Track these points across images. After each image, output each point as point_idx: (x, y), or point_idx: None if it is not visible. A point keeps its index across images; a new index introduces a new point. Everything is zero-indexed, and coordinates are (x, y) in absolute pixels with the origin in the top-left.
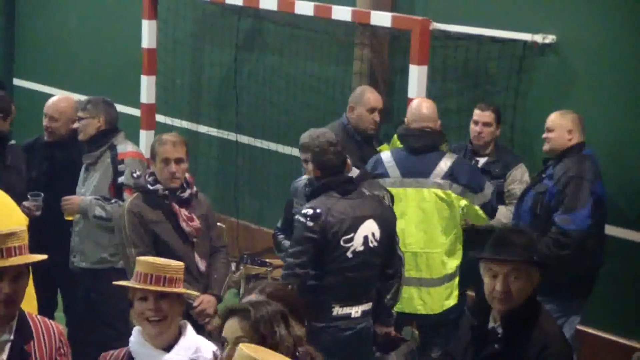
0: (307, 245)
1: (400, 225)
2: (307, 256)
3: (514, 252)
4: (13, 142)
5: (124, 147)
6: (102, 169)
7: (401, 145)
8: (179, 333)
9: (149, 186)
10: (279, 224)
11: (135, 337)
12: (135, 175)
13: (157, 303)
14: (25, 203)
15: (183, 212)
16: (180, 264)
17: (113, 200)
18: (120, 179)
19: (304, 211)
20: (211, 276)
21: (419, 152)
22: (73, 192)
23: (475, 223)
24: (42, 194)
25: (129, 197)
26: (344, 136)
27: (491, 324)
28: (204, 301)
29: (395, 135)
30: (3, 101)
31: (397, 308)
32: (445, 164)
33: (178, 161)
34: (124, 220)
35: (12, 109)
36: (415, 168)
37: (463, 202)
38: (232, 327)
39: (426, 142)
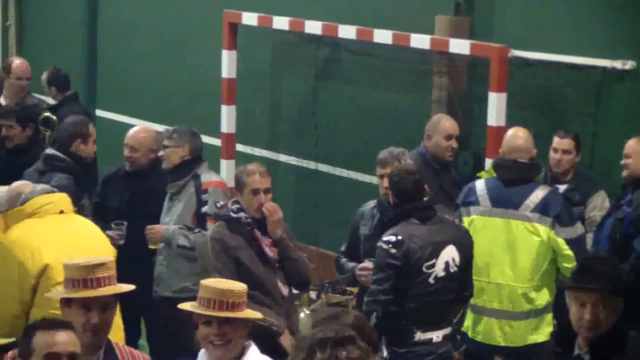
0: (390, 272)
1: (485, 255)
2: (389, 283)
3: (600, 280)
4: None
5: (208, 177)
6: (186, 198)
7: (496, 175)
8: (242, 354)
9: (232, 214)
10: (342, 248)
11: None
12: (218, 205)
13: (221, 327)
14: (109, 232)
15: (265, 239)
16: (244, 287)
17: (196, 230)
18: (204, 209)
19: (385, 238)
20: (293, 304)
21: (512, 183)
22: (153, 221)
23: (560, 262)
24: (126, 223)
25: (212, 227)
26: (422, 165)
27: (576, 351)
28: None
29: (492, 165)
30: (81, 125)
31: (477, 338)
32: (537, 196)
33: (266, 191)
34: (207, 247)
35: (90, 131)
36: (506, 199)
37: (552, 234)
38: None
39: (519, 173)
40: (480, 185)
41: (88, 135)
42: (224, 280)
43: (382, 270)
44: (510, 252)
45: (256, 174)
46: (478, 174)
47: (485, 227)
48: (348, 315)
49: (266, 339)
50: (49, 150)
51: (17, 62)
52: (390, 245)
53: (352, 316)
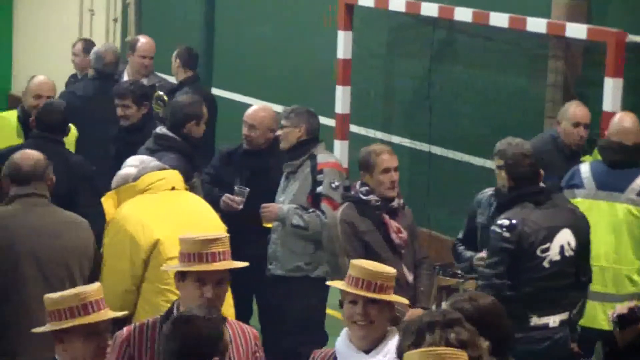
0: (504, 255)
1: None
2: (503, 266)
3: None
4: None
5: (324, 157)
6: (302, 178)
7: (601, 158)
8: (384, 337)
9: (361, 196)
10: (460, 235)
11: (342, 337)
12: (333, 185)
13: (366, 308)
14: (230, 196)
15: (393, 224)
16: (393, 271)
17: (311, 210)
18: (319, 189)
19: (499, 222)
20: (417, 288)
21: (617, 166)
22: (270, 200)
23: None
24: (248, 189)
25: (327, 207)
26: (554, 148)
27: None
28: (414, 315)
29: (596, 147)
30: (195, 107)
31: (581, 323)
32: None
33: (395, 170)
34: (336, 229)
35: (203, 113)
36: (611, 182)
37: None
38: None
39: (625, 156)
40: (584, 168)
41: (201, 117)
42: (376, 263)
43: (496, 254)
44: (615, 234)
45: (385, 152)
46: (582, 158)
47: (589, 210)
48: (485, 298)
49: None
50: (160, 130)
51: (142, 40)
52: (503, 229)
53: (489, 301)
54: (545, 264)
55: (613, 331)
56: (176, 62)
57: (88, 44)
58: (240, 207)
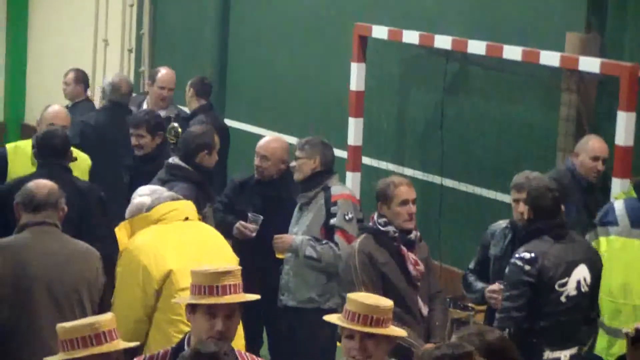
0: (524, 288)
1: (622, 276)
2: (523, 300)
3: None
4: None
5: (338, 189)
6: (315, 209)
7: (636, 195)
8: None
9: (379, 227)
10: (471, 265)
11: None
12: (347, 217)
13: (363, 342)
14: (244, 223)
15: (410, 255)
16: (390, 304)
17: (324, 242)
18: (332, 221)
19: (519, 255)
20: (432, 322)
21: None
22: (281, 230)
23: None
24: (262, 217)
25: (340, 239)
26: (571, 180)
27: None
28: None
29: (632, 185)
30: (207, 136)
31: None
32: None
33: (413, 202)
34: (354, 260)
35: (215, 142)
36: None
37: None
38: None
39: None
40: (619, 205)
41: (213, 147)
42: (371, 295)
43: (516, 287)
44: None
45: (403, 184)
46: (615, 195)
47: (623, 247)
48: (493, 333)
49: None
50: (173, 160)
51: (162, 71)
52: (524, 262)
53: (497, 336)
54: (563, 299)
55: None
56: (190, 91)
57: (79, 74)
58: (254, 234)
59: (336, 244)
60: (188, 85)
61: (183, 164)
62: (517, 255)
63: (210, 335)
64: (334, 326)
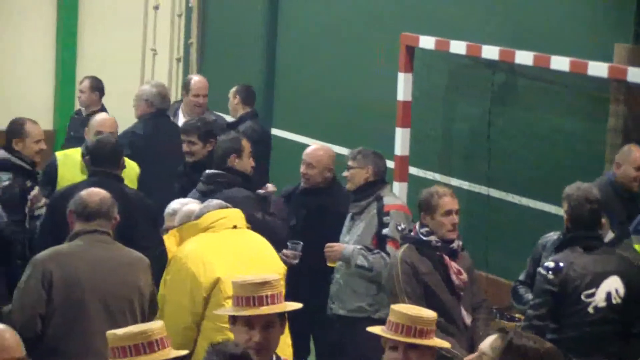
0: (547, 297)
1: None
2: (545, 309)
3: None
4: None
5: (391, 199)
6: (367, 219)
7: None
8: None
9: (422, 237)
10: (521, 277)
11: None
12: (399, 228)
13: (406, 353)
14: (284, 251)
15: (453, 265)
16: (433, 315)
17: (375, 251)
18: (384, 231)
19: (546, 264)
20: (476, 332)
21: None
22: (328, 240)
23: None
24: (302, 243)
25: (392, 249)
26: (612, 192)
27: None
28: None
29: None
30: (233, 141)
31: None
32: None
33: (457, 212)
34: (396, 269)
35: (243, 146)
36: None
37: None
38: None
39: None
40: None
41: (241, 150)
42: (415, 306)
43: (539, 295)
44: None
45: (447, 195)
46: None
47: None
48: (543, 344)
49: None
50: (208, 171)
51: (194, 79)
52: (548, 272)
53: (546, 347)
54: (590, 310)
55: None
56: (235, 99)
57: (94, 82)
58: (296, 261)
59: (388, 254)
60: (233, 93)
61: (219, 171)
62: (544, 264)
63: (249, 346)
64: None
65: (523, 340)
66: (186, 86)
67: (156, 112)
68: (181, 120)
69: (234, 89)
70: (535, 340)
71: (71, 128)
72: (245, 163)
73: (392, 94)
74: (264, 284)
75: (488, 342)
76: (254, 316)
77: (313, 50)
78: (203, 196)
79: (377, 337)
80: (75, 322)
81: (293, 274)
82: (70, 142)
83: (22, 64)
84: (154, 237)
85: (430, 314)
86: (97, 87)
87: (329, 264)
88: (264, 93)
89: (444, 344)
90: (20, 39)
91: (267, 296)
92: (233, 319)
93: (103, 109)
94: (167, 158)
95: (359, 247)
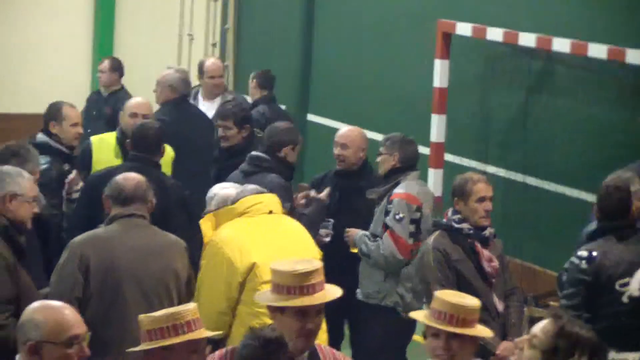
0: (580, 287)
1: None
2: (579, 298)
3: None
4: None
5: (402, 187)
6: (382, 205)
7: None
8: None
9: (454, 224)
10: (566, 265)
11: None
12: (397, 217)
13: (448, 342)
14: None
15: (485, 252)
16: (477, 304)
17: (377, 239)
18: (385, 219)
19: (579, 253)
20: (508, 319)
21: None
22: (362, 221)
23: None
24: (332, 221)
25: (387, 238)
26: None
27: None
28: (506, 348)
29: None
30: (294, 133)
31: None
32: None
33: (490, 199)
34: (429, 257)
35: (299, 140)
36: None
37: None
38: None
39: None
40: None
41: (297, 143)
42: (459, 293)
43: (573, 285)
44: None
45: (481, 181)
46: None
47: None
48: (594, 334)
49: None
50: (255, 152)
51: (208, 62)
52: (581, 261)
53: (596, 338)
54: (624, 299)
55: None
56: (253, 82)
57: (114, 62)
58: (328, 239)
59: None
60: (251, 77)
61: (265, 156)
62: (577, 253)
63: (301, 334)
64: (390, 325)
65: (575, 327)
66: (200, 69)
67: (180, 98)
68: (201, 103)
69: (253, 74)
70: (588, 329)
71: (92, 107)
72: (295, 155)
73: (429, 81)
74: (314, 272)
75: (541, 325)
76: (309, 304)
77: (350, 36)
78: (246, 177)
79: (382, 325)
80: (112, 307)
81: (327, 258)
82: (92, 122)
83: (61, 51)
84: (186, 230)
85: (474, 302)
86: (117, 67)
87: (351, 250)
88: (300, 79)
89: (487, 332)
90: (59, 27)
91: (318, 283)
92: (280, 309)
93: (123, 89)
94: (195, 143)
95: (364, 233)
